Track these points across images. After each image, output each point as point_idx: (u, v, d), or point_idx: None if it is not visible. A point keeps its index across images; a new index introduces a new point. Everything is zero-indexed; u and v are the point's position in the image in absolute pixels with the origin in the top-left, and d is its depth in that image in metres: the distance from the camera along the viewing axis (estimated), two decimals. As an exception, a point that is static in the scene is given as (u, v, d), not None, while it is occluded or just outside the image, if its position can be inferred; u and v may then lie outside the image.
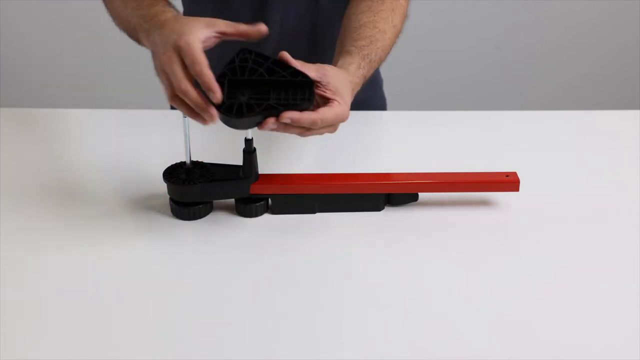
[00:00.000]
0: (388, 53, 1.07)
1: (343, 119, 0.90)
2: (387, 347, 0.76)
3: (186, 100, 0.86)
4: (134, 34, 0.99)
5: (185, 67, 0.85)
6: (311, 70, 0.89)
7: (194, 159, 0.99)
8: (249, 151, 0.96)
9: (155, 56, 0.90)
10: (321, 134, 0.91)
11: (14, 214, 0.98)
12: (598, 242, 0.94)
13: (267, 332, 0.79)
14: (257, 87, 0.88)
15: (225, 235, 0.95)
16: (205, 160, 1.00)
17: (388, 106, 1.43)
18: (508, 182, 0.98)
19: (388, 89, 1.41)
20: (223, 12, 1.19)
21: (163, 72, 0.88)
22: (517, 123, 1.26)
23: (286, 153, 1.13)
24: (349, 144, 1.17)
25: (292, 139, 1.17)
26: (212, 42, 0.89)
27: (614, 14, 2.50)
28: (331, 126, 0.90)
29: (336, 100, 0.89)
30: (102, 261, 0.89)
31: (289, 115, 0.86)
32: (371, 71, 1.02)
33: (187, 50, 0.85)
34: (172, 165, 0.99)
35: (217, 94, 0.85)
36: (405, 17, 1.12)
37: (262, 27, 0.90)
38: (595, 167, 1.12)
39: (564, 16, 2.50)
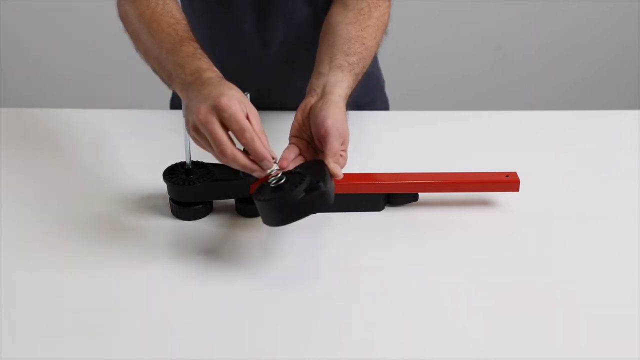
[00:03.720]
0: (365, 68, 1.07)
1: (345, 139, 0.93)
2: (387, 347, 0.76)
3: (234, 166, 0.85)
4: (166, 78, 0.96)
5: (224, 126, 0.84)
6: (337, 146, 0.91)
7: (194, 159, 0.99)
8: (249, 151, 0.96)
9: (189, 112, 0.88)
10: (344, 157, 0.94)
11: (14, 214, 0.98)
12: (598, 242, 0.94)
13: (267, 332, 0.79)
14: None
15: (225, 235, 0.95)
16: (205, 160, 1.00)
17: (390, 107, 1.43)
18: (508, 182, 0.98)
19: (389, 89, 1.41)
20: (225, 17, 1.19)
21: (198, 132, 0.86)
22: (517, 123, 1.26)
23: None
24: (349, 144, 1.17)
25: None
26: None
27: (614, 14, 2.50)
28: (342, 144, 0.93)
29: (342, 156, 0.93)
30: (102, 261, 0.89)
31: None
32: (354, 80, 1.02)
33: (229, 113, 0.83)
34: (172, 165, 0.99)
35: (270, 163, 0.85)
36: (384, 34, 1.11)
37: (268, 156, 0.86)
38: (595, 167, 1.12)
39: (564, 17, 2.50)
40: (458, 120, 1.27)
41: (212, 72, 0.91)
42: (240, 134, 0.84)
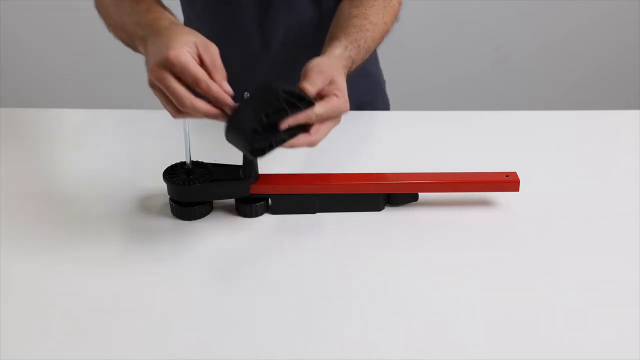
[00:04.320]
0: (377, 45, 1.07)
1: (342, 110, 0.88)
2: (387, 347, 0.76)
3: (197, 115, 0.83)
4: (131, 42, 0.97)
5: (178, 78, 0.82)
6: (318, 82, 0.87)
7: (194, 159, 0.99)
8: (249, 151, 0.96)
9: (147, 68, 0.86)
10: (326, 132, 0.89)
11: (13, 214, 0.98)
12: (598, 242, 0.94)
13: (267, 332, 0.79)
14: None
15: (225, 235, 0.95)
16: (205, 160, 1.00)
17: (391, 106, 1.43)
18: (508, 182, 0.98)
19: (389, 89, 1.42)
20: (226, 15, 1.19)
21: (156, 88, 0.85)
22: (517, 123, 1.26)
23: (286, 153, 1.13)
24: (349, 143, 1.17)
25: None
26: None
27: (614, 15, 2.50)
28: (333, 119, 0.88)
29: (334, 94, 0.88)
30: (102, 261, 0.89)
31: (286, 122, 0.84)
32: (360, 57, 1.00)
33: (179, 66, 0.81)
34: (172, 165, 0.99)
35: (231, 105, 0.83)
36: (396, 18, 1.12)
37: (228, 100, 0.84)
38: (595, 167, 1.12)
39: (564, 17, 2.50)
40: (458, 120, 1.27)
41: (164, 20, 0.90)
42: (195, 86, 0.82)
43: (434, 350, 0.76)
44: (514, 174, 0.99)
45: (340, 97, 0.88)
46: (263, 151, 0.84)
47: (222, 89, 0.83)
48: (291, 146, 0.86)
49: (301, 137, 0.86)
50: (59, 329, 0.79)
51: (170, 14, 0.97)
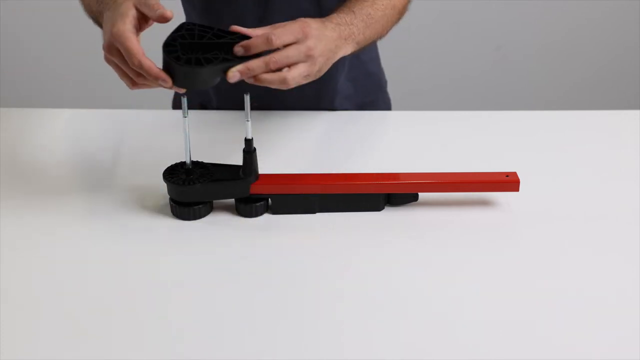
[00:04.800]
0: (383, 16, 1.03)
1: (303, 29, 0.88)
2: (386, 347, 0.76)
3: (148, 82, 0.87)
4: (97, 21, 0.99)
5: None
6: (259, 31, 0.88)
7: (194, 159, 0.99)
8: (249, 151, 0.96)
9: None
10: (299, 72, 0.88)
11: (13, 214, 0.98)
12: (598, 242, 0.94)
13: (267, 332, 0.79)
14: (208, 50, 0.87)
15: (225, 235, 0.95)
16: (205, 160, 1.00)
17: (392, 107, 1.43)
18: (508, 182, 0.98)
19: (390, 89, 1.41)
20: (225, 13, 1.19)
21: (111, 62, 0.89)
22: (517, 123, 1.26)
23: (286, 153, 1.13)
24: (349, 143, 1.17)
25: (292, 139, 1.17)
26: (144, 27, 0.89)
27: (614, 15, 2.50)
28: (304, 59, 0.88)
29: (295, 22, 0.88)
30: (102, 261, 0.89)
31: (241, 44, 0.85)
32: (357, 20, 0.98)
33: (120, 41, 0.84)
34: (172, 165, 0.99)
35: (168, 81, 0.85)
36: (407, 0, 1.11)
37: (167, 14, 0.87)
38: (595, 167, 1.12)
39: (564, 16, 2.50)
40: (458, 120, 1.27)
41: None
42: (128, 59, 0.85)
43: (434, 350, 0.76)
44: (514, 174, 0.99)
45: (301, 23, 0.89)
46: (198, 62, 0.85)
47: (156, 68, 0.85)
48: (259, 81, 0.86)
49: (275, 75, 0.86)
50: (59, 329, 0.79)
51: None
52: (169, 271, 0.88)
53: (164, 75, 0.85)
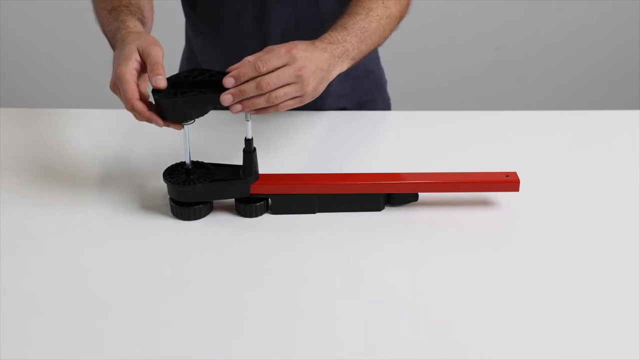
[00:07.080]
0: (378, 26, 1.03)
1: (290, 51, 0.89)
2: (386, 347, 0.76)
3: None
4: (110, 42, 1.02)
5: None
6: (249, 58, 0.90)
7: (194, 159, 0.99)
8: (249, 151, 0.96)
9: None
10: (286, 93, 0.89)
11: (13, 214, 0.98)
12: (598, 242, 0.94)
13: (267, 331, 0.79)
14: (194, 86, 0.91)
15: (225, 235, 0.95)
16: (205, 160, 1.00)
17: (392, 106, 1.43)
18: (508, 182, 0.98)
19: (389, 89, 1.41)
20: (224, 11, 1.19)
21: (117, 93, 0.93)
22: (517, 123, 1.26)
23: (286, 153, 1.13)
24: (349, 143, 1.17)
25: (292, 139, 1.17)
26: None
27: (614, 15, 2.50)
28: (295, 80, 0.89)
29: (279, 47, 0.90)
30: (102, 261, 0.89)
31: (231, 74, 0.88)
32: (350, 36, 0.99)
33: (120, 83, 0.90)
34: (172, 165, 0.99)
35: (159, 122, 0.90)
36: (406, 6, 1.10)
37: (160, 85, 0.90)
38: (595, 167, 1.12)
39: (564, 17, 2.50)
40: (458, 120, 1.27)
41: (122, 31, 0.97)
42: (124, 102, 0.90)
43: (433, 350, 0.76)
44: (514, 174, 0.99)
45: (288, 46, 0.90)
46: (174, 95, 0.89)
47: (149, 111, 0.90)
48: (250, 106, 0.89)
49: (263, 96, 0.88)
50: (59, 329, 0.79)
51: (135, 19, 1.00)
52: (169, 271, 0.88)
53: (154, 116, 0.90)
